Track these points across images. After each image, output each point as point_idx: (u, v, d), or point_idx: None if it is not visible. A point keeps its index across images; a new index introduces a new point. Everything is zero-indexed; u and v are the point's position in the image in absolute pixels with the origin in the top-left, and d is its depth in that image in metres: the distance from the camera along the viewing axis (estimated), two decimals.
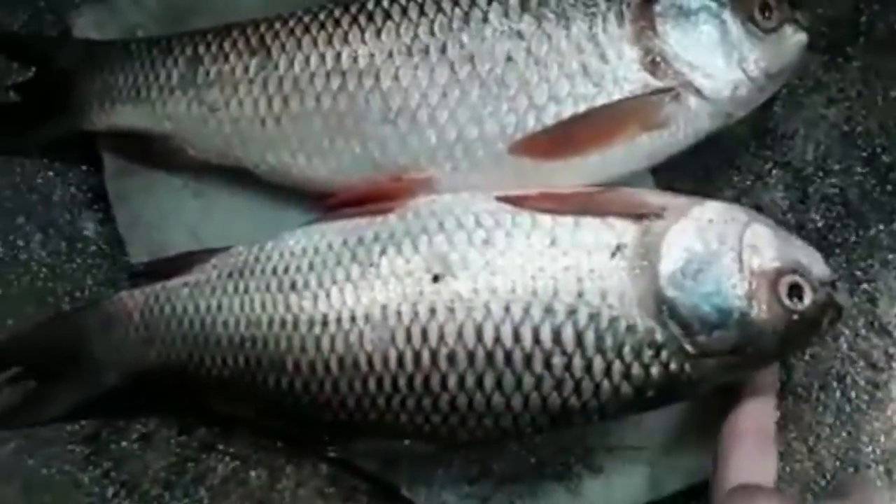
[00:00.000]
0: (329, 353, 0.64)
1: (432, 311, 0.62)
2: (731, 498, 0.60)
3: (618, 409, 0.63)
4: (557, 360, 0.61)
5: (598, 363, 0.61)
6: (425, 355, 0.62)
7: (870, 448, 0.76)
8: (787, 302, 0.61)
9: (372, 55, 0.67)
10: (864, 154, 0.80)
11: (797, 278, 0.62)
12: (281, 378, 0.66)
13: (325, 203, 0.69)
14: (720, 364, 0.62)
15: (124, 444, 0.75)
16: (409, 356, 0.63)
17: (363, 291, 0.64)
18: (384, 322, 0.63)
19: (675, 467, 0.72)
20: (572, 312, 0.61)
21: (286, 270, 0.66)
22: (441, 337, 0.62)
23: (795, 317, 0.61)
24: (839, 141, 0.80)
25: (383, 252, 0.64)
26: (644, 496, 0.73)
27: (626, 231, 0.63)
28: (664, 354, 0.61)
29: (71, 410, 0.73)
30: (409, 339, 0.63)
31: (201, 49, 0.72)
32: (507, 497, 0.73)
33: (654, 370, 0.61)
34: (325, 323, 0.64)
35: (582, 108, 0.65)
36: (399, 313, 0.63)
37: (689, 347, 0.61)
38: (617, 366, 0.61)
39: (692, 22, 0.66)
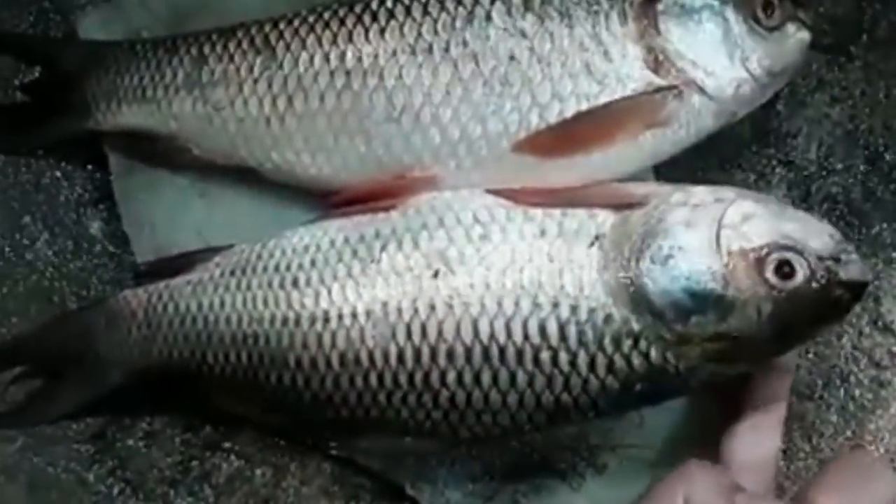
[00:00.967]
0: (330, 350, 0.65)
1: (432, 307, 0.63)
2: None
3: (610, 403, 0.63)
4: (545, 356, 0.61)
5: (582, 356, 0.61)
6: (425, 351, 0.63)
7: (873, 447, 0.76)
8: (773, 280, 0.59)
9: (376, 54, 0.68)
10: (867, 153, 0.80)
11: (785, 254, 0.59)
12: (283, 374, 0.66)
13: (329, 201, 0.70)
14: (705, 352, 0.60)
15: (130, 442, 0.75)
16: (409, 352, 0.63)
17: (364, 288, 0.64)
18: (385, 318, 0.63)
19: (677, 466, 0.72)
20: (556, 305, 0.61)
21: (288, 267, 0.67)
22: (440, 333, 0.62)
23: (783, 295, 0.59)
24: (842, 140, 0.80)
25: (384, 248, 0.65)
26: None
27: (605, 221, 0.63)
28: (643, 344, 0.60)
29: (76, 409, 0.73)
30: (409, 335, 0.63)
31: (206, 49, 0.72)
32: (510, 495, 0.73)
33: (636, 361, 0.61)
34: (326, 319, 0.65)
35: (585, 106, 0.65)
36: (400, 309, 0.63)
37: (667, 335, 0.60)
38: (600, 358, 0.61)
39: (695, 20, 0.66)
